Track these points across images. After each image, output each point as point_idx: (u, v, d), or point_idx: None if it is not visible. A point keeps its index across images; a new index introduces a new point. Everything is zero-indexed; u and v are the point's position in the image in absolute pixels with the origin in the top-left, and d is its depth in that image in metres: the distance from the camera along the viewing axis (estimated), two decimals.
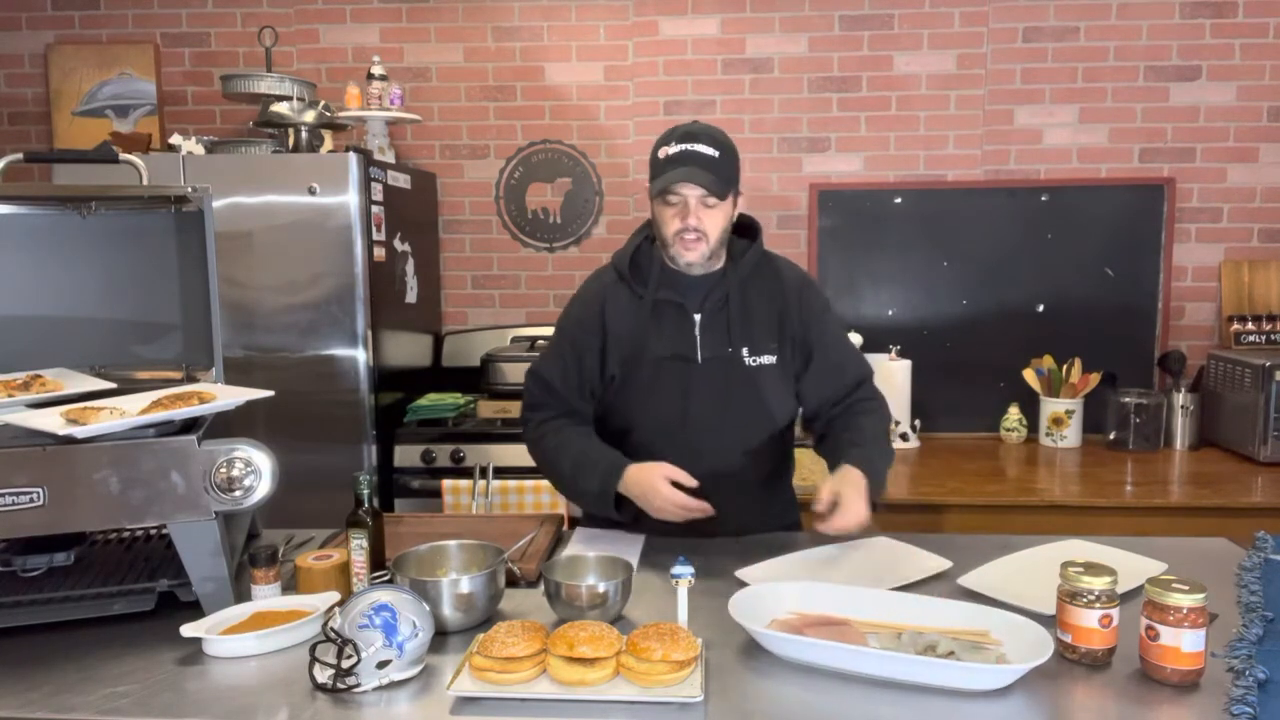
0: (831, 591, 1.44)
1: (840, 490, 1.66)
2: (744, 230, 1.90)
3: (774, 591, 1.45)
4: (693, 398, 1.82)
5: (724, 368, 1.81)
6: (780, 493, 1.99)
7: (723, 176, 1.73)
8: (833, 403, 1.89)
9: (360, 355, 2.79)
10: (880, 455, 1.80)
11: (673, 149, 1.73)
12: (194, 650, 1.34)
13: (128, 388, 1.65)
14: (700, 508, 1.70)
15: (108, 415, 1.39)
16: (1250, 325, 3.15)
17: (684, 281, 1.83)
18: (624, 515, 1.80)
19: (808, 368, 1.86)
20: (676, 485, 1.70)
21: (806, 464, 2.84)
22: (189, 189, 1.68)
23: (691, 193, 1.73)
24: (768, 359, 1.83)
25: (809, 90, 3.34)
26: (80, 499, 1.37)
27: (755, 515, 1.90)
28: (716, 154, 1.73)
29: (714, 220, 1.76)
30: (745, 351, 1.82)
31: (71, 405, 1.43)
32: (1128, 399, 3.05)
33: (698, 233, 1.75)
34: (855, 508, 1.65)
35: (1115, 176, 3.27)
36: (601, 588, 1.42)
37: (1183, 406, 3.06)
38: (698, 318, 1.82)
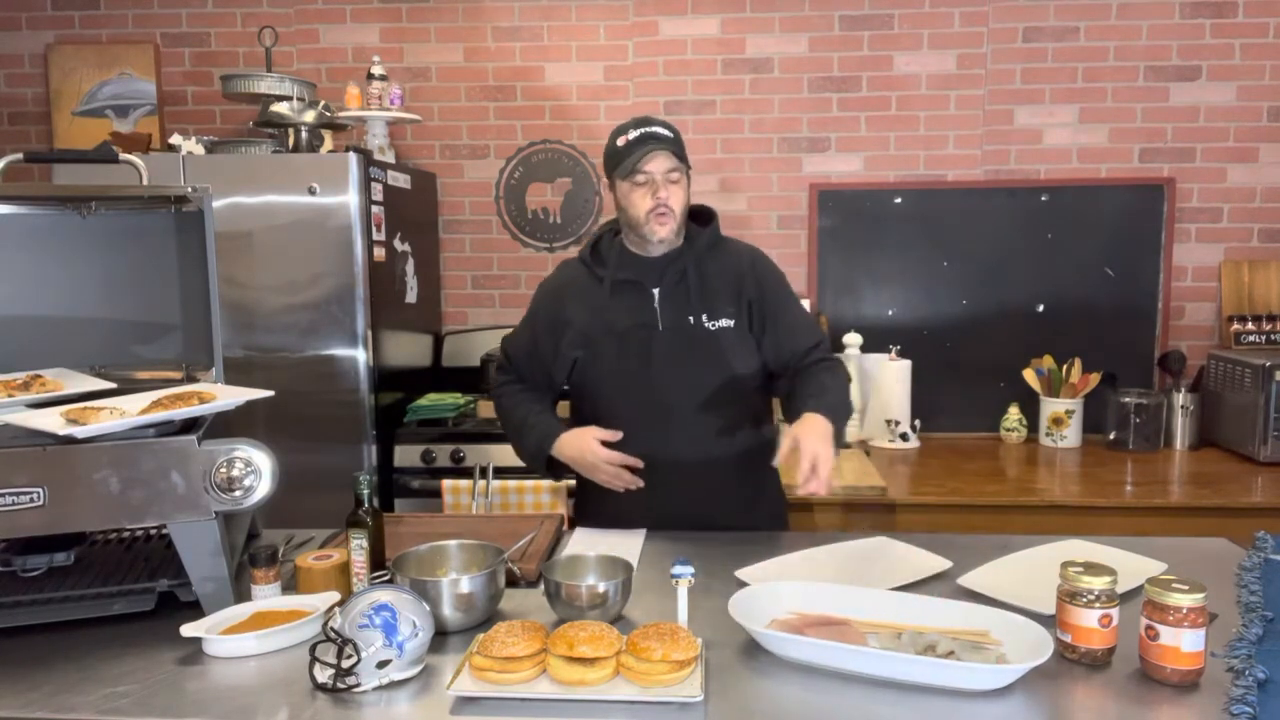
0: (831, 591, 1.44)
1: (800, 435, 1.70)
2: (700, 218, 2.02)
3: (774, 591, 1.45)
4: (655, 363, 1.91)
5: (685, 333, 1.91)
6: (759, 472, 1.98)
7: (680, 151, 1.87)
8: (793, 363, 1.95)
9: (360, 355, 2.79)
10: (840, 406, 1.87)
11: (632, 134, 1.86)
12: (194, 650, 1.34)
13: (128, 388, 1.65)
14: (631, 463, 1.86)
15: (108, 415, 1.39)
16: (1250, 325, 3.15)
17: (642, 262, 1.95)
18: (559, 477, 2.02)
19: (765, 329, 1.94)
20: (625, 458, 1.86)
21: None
22: (189, 189, 1.68)
23: (659, 167, 1.84)
24: (726, 321, 1.92)
25: (809, 90, 3.34)
26: (80, 499, 1.37)
27: (734, 493, 1.94)
28: (672, 134, 1.88)
29: (678, 196, 1.88)
30: (705, 317, 1.92)
31: (71, 405, 1.43)
32: (1128, 399, 3.05)
33: (667, 208, 1.86)
34: (820, 450, 1.68)
35: (1115, 176, 3.27)
36: (601, 588, 1.42)
37: (1183, 406, 3.06)
38: (656, 292, 1.93)
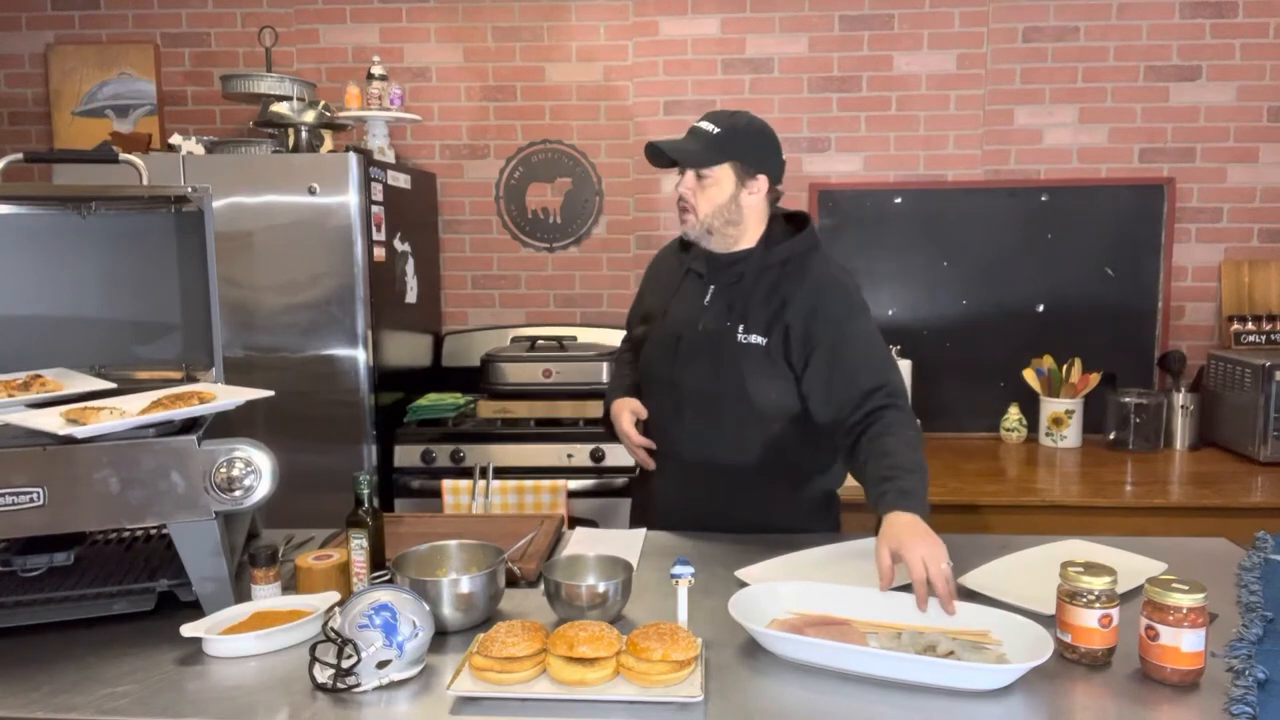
0: (831, 591, 1.44)
1: (894, 545, 1.47)
2: (797, 225, 1.93)
3: (774, 591, 1.45)
4: (680, 358, 1.90)
5: (716, 339, 1.87)
6: (783, 492, 1.94)
7: (710, 147, 1.80)
8: (848, 410, 1.76)
9: (360, 355, 2.79)
10: (914, 473, 1.64)
11: (656, 151, 1.84)
12: (194, 650, 1.34)
13: (128, 388, 1.65)
14: (642, 443, 1.93)
15: (108, 415, 1.39)
16: (1250, 325, 3.15)
17: (715, 259, 1.91)
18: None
19: (808, 364, 1.81)
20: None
21: None
22: (189, 189, 1.68)
23: (683, 160, 1.83)
24: (756, 338, 1.84)
25: (809, 90, 3.34)
26: (80, 499, 1.37)
27: (747, 506, 1.91)
28: (716, 130, 1.81)
29: (704, 195, 1.83)
30: (741, 328, 1.85)
31: (71, 405, 1.43)
32: (1128, 399, 3.05)
33: (686, 203, 1.84)
34: (926, 554, 1.43)
35: (1115, 176, 3.27)
36: (601, 588, 1.42)
37: (1183, 406, 3.06)
38: (711, 289, 1.91)
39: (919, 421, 1.87)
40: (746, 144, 1.83)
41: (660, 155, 1.83)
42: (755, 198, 1.85)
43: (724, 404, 1.87)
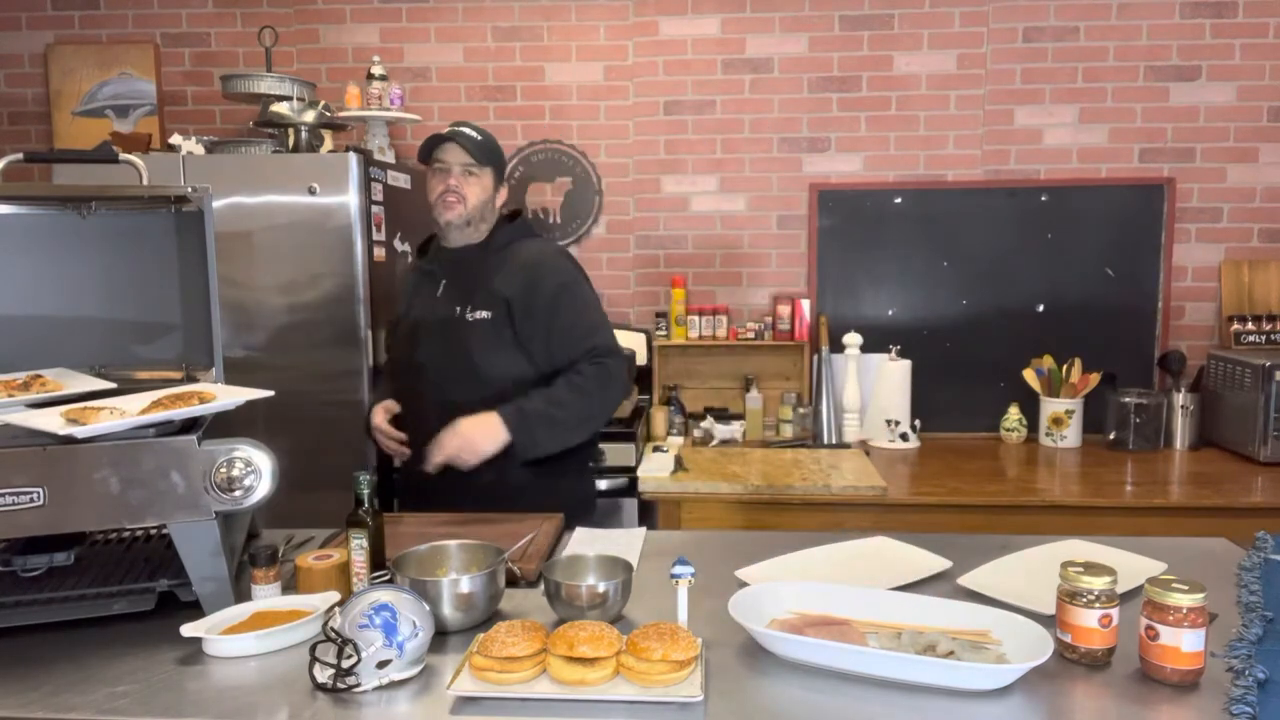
0: (831, 591, 1.44)
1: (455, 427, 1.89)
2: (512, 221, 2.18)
3: (774, 591, 1.45)
4: (420, 348, 2.09)
5: (447, 324, 2.06)
6: (507, 461, 1.96)
7: (484, 150, 2.07)
8: (566, 364, 2.02)
9: (360, 355, 2.79)
10: (539, 404, 1.94)
11: (444, 131, 2.07)
12: (194, 650, 1.34)
13: (128, 388, 1.65)
14: (393, 434, 2.09)
15: (108, 415, 1.38)
16: (1250, 325, 3.15)
17: (444, 255, 2.14)
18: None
19: (532, 333, 2.02)
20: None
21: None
22: (189, 189, 1.68)
23: (455, 159, 2.04)
24: (483, 314, 2.03)
25: (809, 90, 3.34)
26: (80, 499, 1.36)
27: (481, 477, 1.95)
28: (480, 137, 2.08)
29: (473, 189, 2.06)
30: (468, 309, 2.04)
31: (71, 405, 1.43)
32: (1128, 399, 3.05)
33: (456, 194, 2.04)
34: (448, 438, 1.88)
35: (1115, 176, 3.27)
36: (601, 588, 1.42)
37: (1183, 406, 3.06)
38: (443, 282, 2.11)
39: (631, 384, 2.18)
40: (500, 157, 2.13)
41: (449, 139, 2.03)
42: (498, 204, 2.13)
43: (458, 378, 2.04)
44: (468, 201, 2.06)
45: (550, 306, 2.03)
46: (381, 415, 2.12)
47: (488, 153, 2.08)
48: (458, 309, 2.05)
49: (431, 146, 2.07)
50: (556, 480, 2.06)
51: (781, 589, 1.46)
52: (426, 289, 2.14)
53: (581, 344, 2.02)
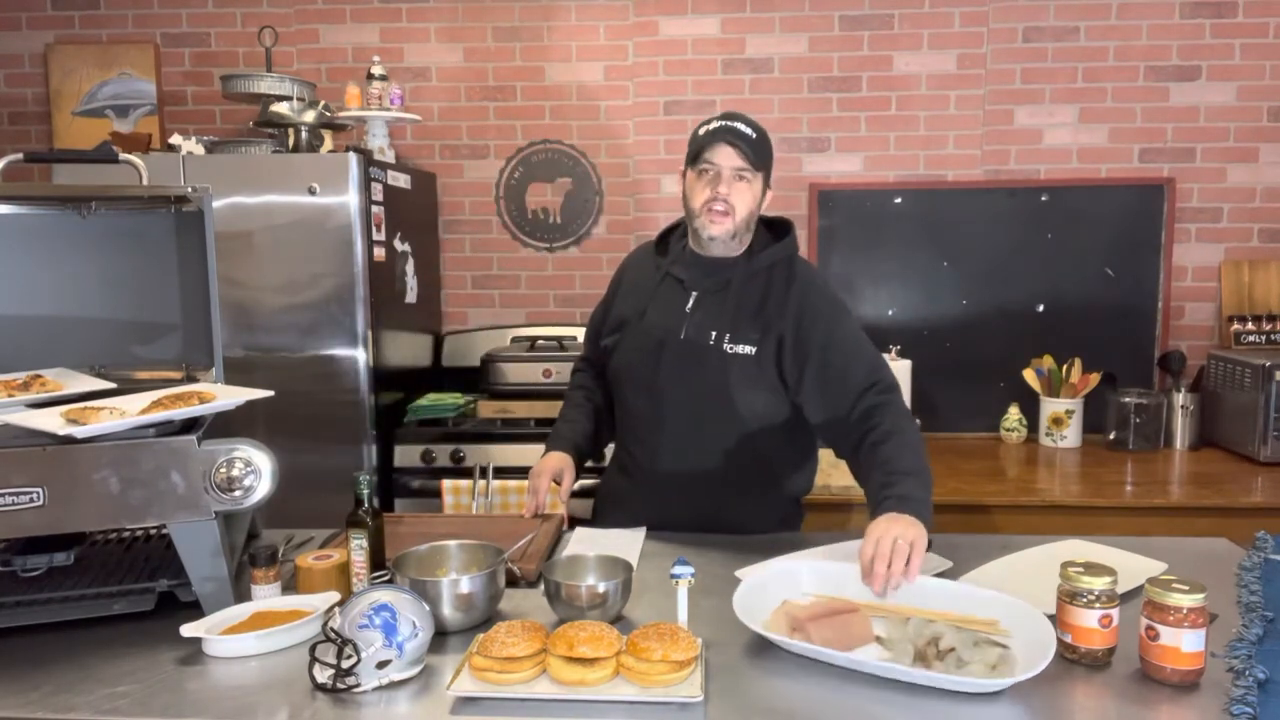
0: (845, 572, 1.44)
1: (876, 533, 1.48)
2: (777, 232, 1.92)
3: (781, 577, 1.45)
4: (663, 369, 1.84)
5: (700, 349, 1.82)
6: (757, 498, 1.93)
7: (758, 152, 1.76)
8: (845, 409, 1.77)
9: (360, 355, 2.79)
10: (915, 482, 1.62)
11: (714, 125, 1.77)
12: (194, 650, 1.34)
13: (128, 388, 1.65)
14: (541, 507, 1.92)
15: (108, 415, 1.39)
16: (1250, 325, 3.15)
17: (695, 262, 1.87)
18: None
19: (803, 371, 1.79)
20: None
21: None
22: (189, 189, 1.68)
23: (726, 162, 1.75)
24: (745, 348, 1.80)
25: (809, 90, 3.34)
26: (80, 499, 1.36)
27: (720, 514, 1.89)
28: (754, 134, 1.77)
29: (743, 197, 1.78)
30: (727, 338, 1.80)
31: (71, 405, 1.43)
32: (1128, 399, 3.05)
33: (726, 204, 1.77)
34: (883, 539, 1.45)
35: (1115, 176, 3.27)
36: (601, 588, 1.42)
37: (1183, 406, 3.06)
38: (694, 295, 1.85)
39: (916, 420, 1.87)
40: (770, 153, 1.82)
41: (720, 137, 1.74)
42: (764, 204, 1.86)
43: (707, 414, 1.83)
44: (737, 214, 1.77)
45: (825, 346, 1.78)
46: (547, 482, 1.90)
47: (764, 153, 1.78)
48: (713, 334, 1.80)
49: (697, 145, 1.78)
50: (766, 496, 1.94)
51: (798, 566, 1.46)
52: (671, 299, 1.86)
53: (858, 382, 1.76)
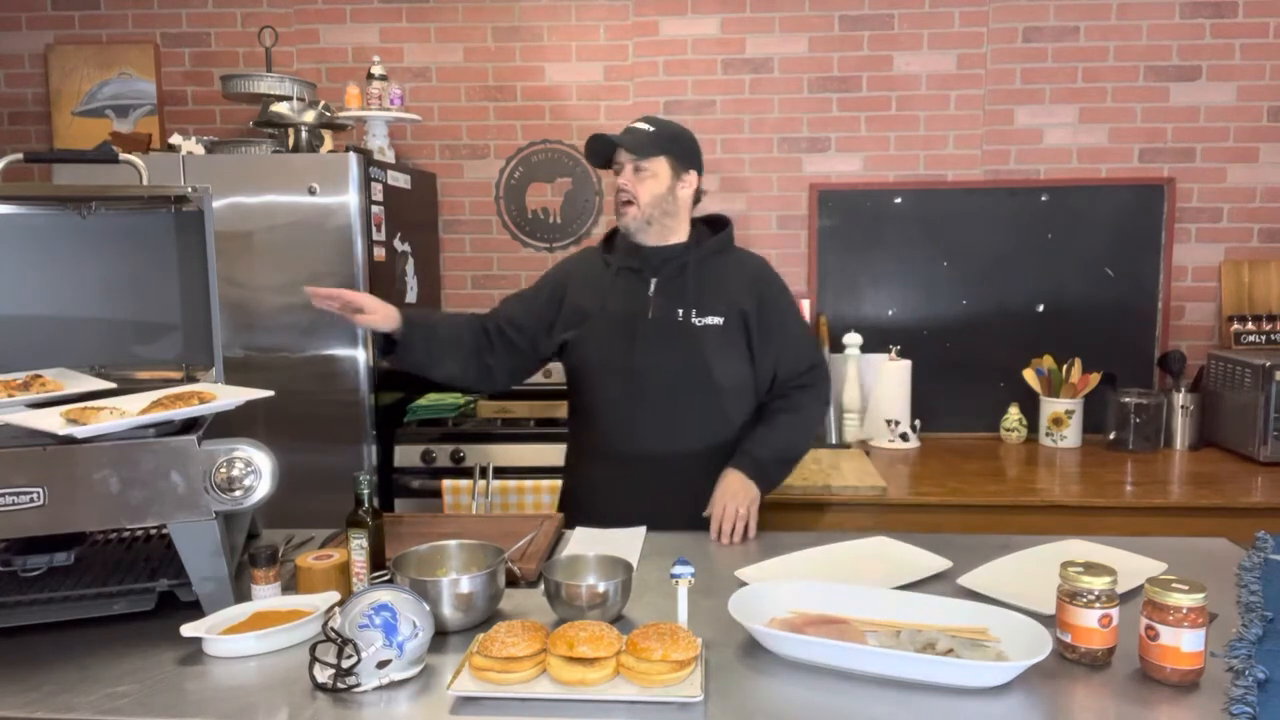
0: (830, 590, 1.44)
1: (715, 496, 1.91)
2: (715, 225, 2.11)
3: (774, 591, 1.45)
4: (638, 348, 1.98)
5: (671, 325, 1.99)
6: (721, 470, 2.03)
7: (649, 143, 1.97)
8: (785, 380, 2.05)
9: (360, 355, 2.79)
10: (783, 447, 2.01)
11: (606, 139, 1.99)
12: (194, 650, 1.34)
13: (128, 388, 1.65)
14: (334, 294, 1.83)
15: (108, 415, 1.39)
16: (1250, 325, 3.15)
17: (645, 253, 2.04)
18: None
19: (761, 342, 2.01)
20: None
21: (806, 463, 2.85)
22: (189, 189, 1.68)
23: (623, 159, 1.98)
24: (714, 320, 1.99)
25: (809, 90, 3.34)
26: (80, 499, 1.37)
27: (698, 486, 1.96)
28: (651, 129, 1.99)
29: (645, 186, 1.97)
30: (694, 313, 1.99)
31: (71, 405, 1.43)
32: (1128, 399, 3.05)
33: (628, 194, 1.98)
34: (729, 507, 1.87)
35: (1115, 176, 3.27)
36: (601, 588, 1.42)
37: (1183, 406, 3.06)
38: (654, 281, 2.01)
39: (827, 405, 2.24)
40: (677, 143, 2.01)
41: (598, 152, 1.99)
42: (687, 191, 2.03)
43: (685, 387, 1.99)
44: (640, 201, 1.97)
45: (782, 323, 2.04)
46: (359, 297, 1.87)
47: (657, 142, 1.97)
48: (680, 312, 1.99)
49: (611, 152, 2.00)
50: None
51: (781, 588, 1.46)
52: (631, 288, 2.03)
53: (804, 360, 2.06)
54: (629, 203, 1.98)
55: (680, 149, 2.01)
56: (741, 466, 1.94)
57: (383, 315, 1.91)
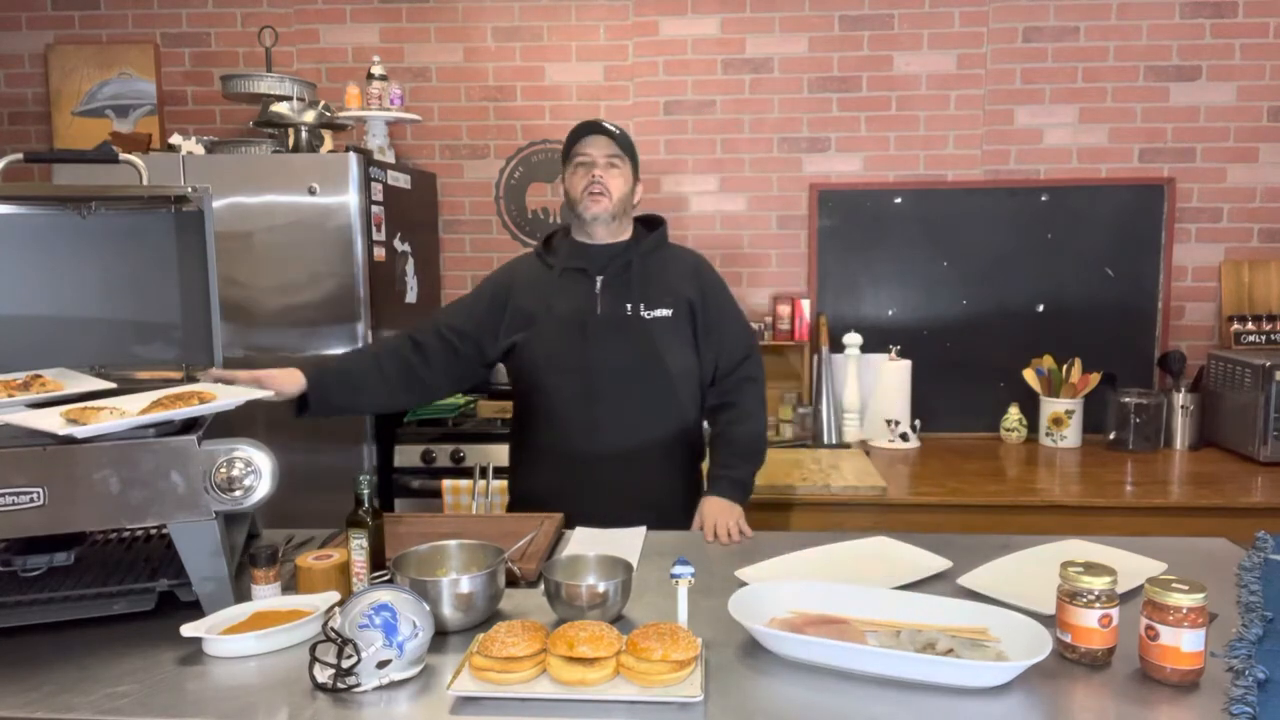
0: (831, 591, 1.44)
1: (704, 515, 1.96)
2: (650, 225, 2.18)
3: (774, 591, 1.45)
4: (590, 345, 2.01)
5: (621, 320, 2.02)
6: (679, 462, 2.12)
7: (624, 145, 2.04)
8: (725, 370, 2.11)
9: None
10: (749, 455, 2.08)
11: (582, 127, 2.04)
12: (194, 650, 1.34)
13: (128, 388, 1.65)
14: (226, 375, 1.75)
15: (108, 415, 1.38)
16: (1250, 325, 3.15)
17: (588, 252, 2.07)
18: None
19: (705, 332, 2.07)
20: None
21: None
22: (189, 189, 1.68)
23: (598, 151, 2.01)
24: (663, 312, 2.04)
25: (809, 90, 3.34)
26: (80, 499, 1.36)
27: (653, 478, 2.04)
28: (618, 131, 2.04)
29: (615, 181, 2.02)
30: (642, 307, 2.03)
31: (71, 405, 1.43)
32: (1128, 399, 3.05)
33: (601, 186, 2.01)
34: (719, 521, 1.90)
35: (1115, 176, 3.27)
36: (601, 588, 1.42)
37: (1183, 406, 3.06)
38: (599, 279, 2.05)
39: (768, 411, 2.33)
40: (633, 152, 2.08)
41: (590, 129, 2.02)
42: (638, 197, 2.12)
43: (640, 378, 2.02)
44: (612, 195, 2.02)
45: (721, 313, 2.11)
46: (269, 375, 1.82)
47: (628, 146, 2.07)
48: (628, 306, 2.03)
49: (574, 140, 2.04)
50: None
51: (781, 589, 1.46)
52: (577, 287, 2.05)
53: (742, 349, 2.12)
54: (601, 194, 2.01)
55: (635, 158, 2.10)
56: (719, 491, 2.00)
57: (283, 379, 1.84)
